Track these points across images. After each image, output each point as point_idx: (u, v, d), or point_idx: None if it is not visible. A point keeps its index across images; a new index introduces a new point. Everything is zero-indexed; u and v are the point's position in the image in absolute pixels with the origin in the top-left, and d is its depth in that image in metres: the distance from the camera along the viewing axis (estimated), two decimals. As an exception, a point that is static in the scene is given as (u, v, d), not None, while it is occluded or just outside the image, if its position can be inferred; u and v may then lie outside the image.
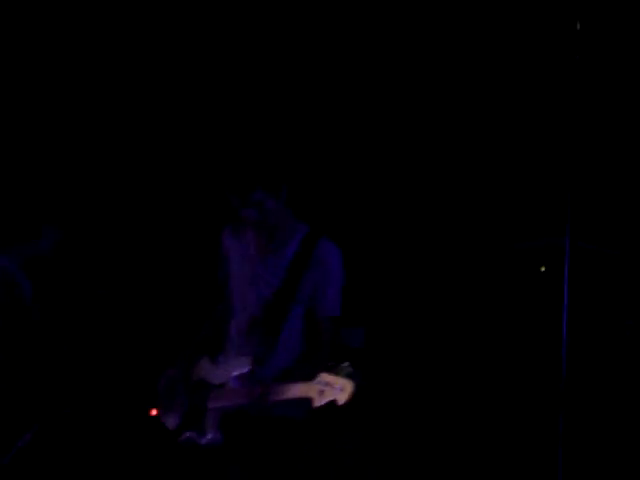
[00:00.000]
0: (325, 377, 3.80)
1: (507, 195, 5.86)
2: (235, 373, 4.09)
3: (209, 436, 4.04)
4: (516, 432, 5.54)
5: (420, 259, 5.87)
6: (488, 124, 5.86)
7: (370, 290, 5.81)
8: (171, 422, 4.21)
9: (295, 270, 4.11)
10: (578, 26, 4.47)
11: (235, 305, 4.27)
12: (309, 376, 3.84)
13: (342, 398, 3.75)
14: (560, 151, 4.42)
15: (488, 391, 5.67)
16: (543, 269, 5.68)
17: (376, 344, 5.79)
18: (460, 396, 5.72)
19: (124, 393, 5.56)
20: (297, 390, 3.87)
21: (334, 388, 3.76)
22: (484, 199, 5.90)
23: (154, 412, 4.39)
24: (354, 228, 5.74)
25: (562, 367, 4.42)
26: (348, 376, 3.78)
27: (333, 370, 3.80)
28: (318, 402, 3.79)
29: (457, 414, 5.67)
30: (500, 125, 5.85)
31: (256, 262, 4.22)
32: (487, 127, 5.86)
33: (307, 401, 3.96)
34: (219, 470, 4.11)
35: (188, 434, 4.10)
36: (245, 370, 4.08)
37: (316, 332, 4.14)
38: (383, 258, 5.93)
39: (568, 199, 4.38)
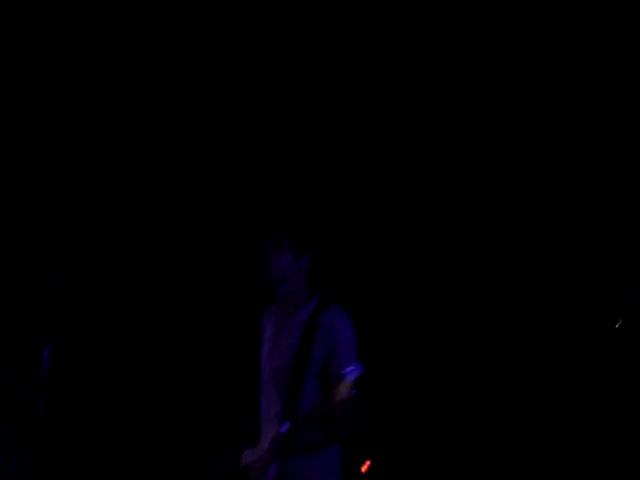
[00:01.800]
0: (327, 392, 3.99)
1: (585, 249, 5.74)
2: (270, 438, 4.14)
3: None
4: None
5: (496, 312, 5.72)
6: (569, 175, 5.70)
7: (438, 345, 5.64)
8: None
9: (306, 338, 4.23)
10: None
11: (264, 382, 4.37)
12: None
13: (341, 397, 3.91)
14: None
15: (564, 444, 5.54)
16: (619, 325, 5.63)
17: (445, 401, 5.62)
18: (540, 454, 5.55)
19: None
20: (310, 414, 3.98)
21: (335, 394, 3.91)
22: (560, 252, 5.77)
23: None
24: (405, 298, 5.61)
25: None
26: (342, 377, 3.93)
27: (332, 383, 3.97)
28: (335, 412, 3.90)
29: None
30: (582, 179, 5.69)
31: (275, 336, 4.36)
32: (567, 178, 5.71)
33: (333, 466, 4.18)
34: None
35: None
36: (274, 434, 4.13)
37: (332, 394, 4.10)
38: (453, 311, 5.77)
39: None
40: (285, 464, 4.15)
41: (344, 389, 3.97)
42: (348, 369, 4.00)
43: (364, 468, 4.89)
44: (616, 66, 5.49)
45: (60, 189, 5.91)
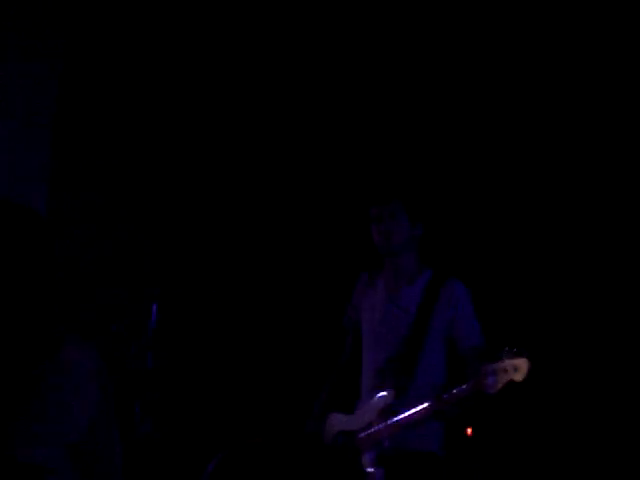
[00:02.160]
0: (490, 366, 3.88)
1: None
2: (379, 407, 4.15)
3: (372, 474, 4.08)
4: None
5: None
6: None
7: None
8: None
9: (426, 308, 4.22)
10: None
11: (367, 350, 4.36)
12: (474, 374, 3.95)
13: (520, 376, 3.84)
14: None
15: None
16: None
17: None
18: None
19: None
20: (464, 390, 3.95)
21: (506, 370, 3.84)
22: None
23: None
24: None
25: None
26: (518, 355, 3.84)
27: (492, 356, 3.89)
28: (494, 389, 3.85)
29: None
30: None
31: (387, 305, 4.34)
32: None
33: (439, 432, 4.18)
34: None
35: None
36: (388, 403, 4.14)
37: (462, 365, 4.21)
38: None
39: None
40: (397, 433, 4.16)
41: (523, 365, 3.90)
42: (476, 342, 4.01)
43: (469, 431, 4.90)
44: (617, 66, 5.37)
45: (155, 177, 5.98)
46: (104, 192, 5.79)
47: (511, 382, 3.89)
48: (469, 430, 4.88)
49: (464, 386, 3.97)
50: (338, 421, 4.32)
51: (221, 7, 5.85)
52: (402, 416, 4.10)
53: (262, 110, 6.00)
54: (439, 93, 5.74)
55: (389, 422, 4.13)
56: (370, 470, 4.07)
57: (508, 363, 3.88)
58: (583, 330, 5.39)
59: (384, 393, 4.19)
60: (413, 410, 4.07)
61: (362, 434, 4.20)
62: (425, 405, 4.05)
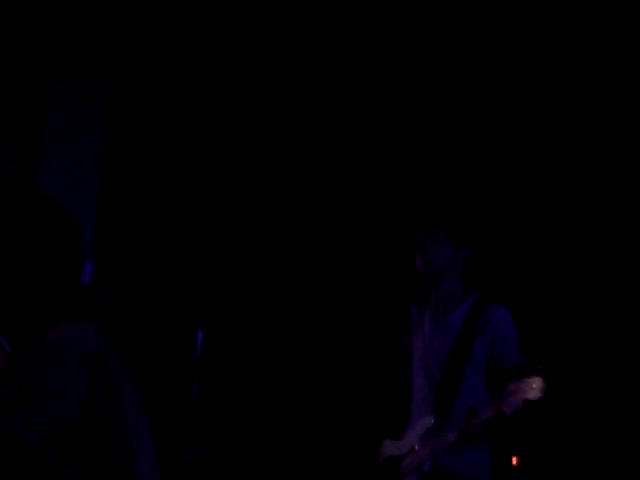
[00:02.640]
0: (510, 385, 3.91)
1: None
2: (421, 432, 4.20)
3: None
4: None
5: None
6: None
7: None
8: None
9: (467, 334, 4.24)
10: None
11: (416, 377, 4.40)
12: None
13: (534, 394, 3.85)
14: None
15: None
16: None
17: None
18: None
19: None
20: (489, 411, 3.98)
21: (522, 389, 3.86)
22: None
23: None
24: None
25: None
26: (533, 373, 3.86)
27: (514, 376, 3.92)
28: (512, 408, 3.87)
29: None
30: None
31: (432, 333, 4.37)
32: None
33: (485, 460, 4.19)
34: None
35: None
36: (429, 425, 4.19)
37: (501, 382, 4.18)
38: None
39: None
40: (439, 458, 4.18)
41: (538, 384, 3.90)
42: (536, 365, 4.01)
43: (515, 461, 4.87)
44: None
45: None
46: (150, 219, 5.84)
47: (528, 402, 3.90)
48: (514, 459, 4.85)
49: (488, 407, 4.02)
50: (388, 447, 4.38)
51: (224, 8, 5.88)
52: (438, 439, 4.11)
53: (300, 138, 6.03)
54: (482, 115, 5.75)
55: (427, 446, 4.14)
56: None
57: (524, 382, 3.91)
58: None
59: (424, 418, 4.22)
60: (446, 433, 4.09)
61: (405, 459, 4.25)
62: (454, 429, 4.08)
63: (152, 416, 2.50)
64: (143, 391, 2.44)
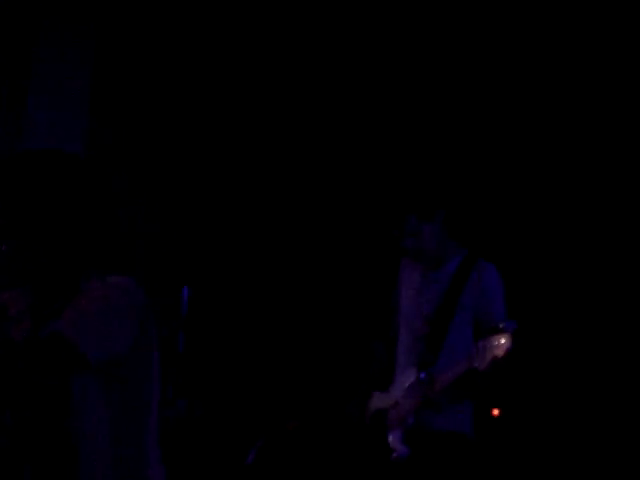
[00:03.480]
0: (480, 342, 3.97)
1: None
2: (405, 385, 4.24)
3: (397, 452, 4.17)
4: None
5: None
6: None
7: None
8: None
9: (454, 288, 4.25)
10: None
11: (402, 331, 4.42)
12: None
13: (500, 352, 3.89)
14: None
15: None
16: None
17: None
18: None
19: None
20: (459, 367, 4.03)
21: (491, 346, 3.91)
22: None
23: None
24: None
25: None
26: (501, 330, 3.91)
27: (487, 332, 3.97)
28: (482, 365, 3.92)
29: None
30: None
31: (418, 287, 4.39)
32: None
33: (467, 413, 4.21)
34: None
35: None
36: (412, 378, 4.21)
37: (490, 345, 4.10)
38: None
39: None
40: (420, 412, 4.21)
41: (504, 341, 3.93)
42: (507, 323, 4.04)
43: (495, 412, 4.90)
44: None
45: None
46: (135, 176, 5.83)
47: (495, 359, 3.93)
48: (495, 411, 4.88)
49: (456, 365, 4.07)
50: (375, 400, 4.41)
51: (224, 7, 5.86)
52: (420, 394, 4.16)
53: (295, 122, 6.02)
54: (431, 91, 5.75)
55: (410, 400, 4.17)
56: (395, 448, 4.14)
57: (493, 339, 3.94)
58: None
59: (408, 371, 4.26)
60: (428, 381, 4.16)
61: (390, 412, 4.27)
62: (437, 378, 4.14)
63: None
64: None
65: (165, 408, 5.37)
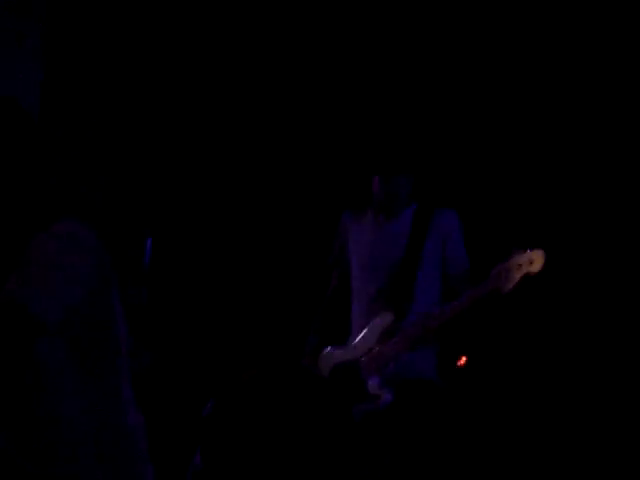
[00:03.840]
0: (505, 264, 3.93)
1: None
2: (379, 331, 4.16)
3: (383, 399, 4.12)
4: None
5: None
6: None
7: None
8: None
9: (416, 236, 4.23)
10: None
11: (355, 284, 4.37)
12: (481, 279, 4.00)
13: (536, 267, 3.90)
14: None
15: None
16: None
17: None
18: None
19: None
20: (485, 287, 3.99)
21: (522, 265, 3.89)
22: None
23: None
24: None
25: None
26: (531, 249, 3.91)
27: (505, 258, 3.94)
28: (511, 283, 3.88)
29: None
30: None
31: (374, 238, 4.35)
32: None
33: (433, 360, 4.23)
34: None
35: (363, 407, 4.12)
36: (389, 324, 4.03)
37: (452, 288, 4.26)
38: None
39: None
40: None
41: (538, 257, 3.95)
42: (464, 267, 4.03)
43: (461, 362, 4.90)
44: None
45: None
46: (96, 128, 5.74)
47: (527, 276, 3.94)
48: (462, 359, 4.88)
49: (479, 286, 4.03)
50: (333, 355, 4.32)
51: (220, 6, 5.79)
52: (410, 329, 4.13)
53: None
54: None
55: (394, 340, 4.14)
56: (378, 393, 4.10)
57: (522, 257, 3.94)
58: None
59: (382, 316, 4.20)
60: (425, 318, 4.13)
61: (363, 362, 4.19)
62: (436, 313, 4.11)
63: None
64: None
65: (130, 361, 5.34)
